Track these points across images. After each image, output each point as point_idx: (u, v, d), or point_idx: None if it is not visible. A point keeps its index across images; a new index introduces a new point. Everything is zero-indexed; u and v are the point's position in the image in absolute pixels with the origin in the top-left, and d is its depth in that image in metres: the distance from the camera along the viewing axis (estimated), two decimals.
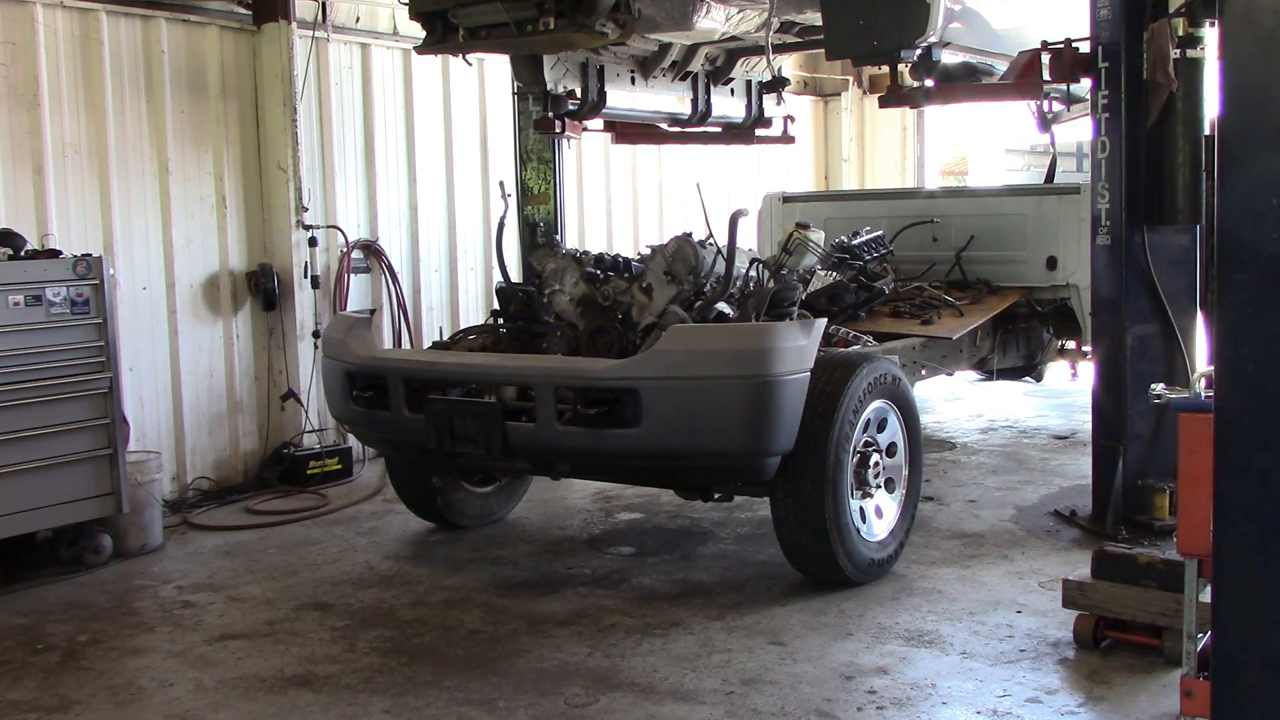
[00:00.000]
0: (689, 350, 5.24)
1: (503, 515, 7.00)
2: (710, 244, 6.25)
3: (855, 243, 7.66)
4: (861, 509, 5.67)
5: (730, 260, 5.89)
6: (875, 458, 5.76)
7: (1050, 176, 8.55)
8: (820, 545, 5.43)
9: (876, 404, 5.70)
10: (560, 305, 6.27)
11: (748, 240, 9.32)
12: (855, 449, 5.57)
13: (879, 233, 7.96)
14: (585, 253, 6.65)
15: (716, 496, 5.74)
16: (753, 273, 6.34)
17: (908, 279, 8.14)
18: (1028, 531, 6.51)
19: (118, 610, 5.64)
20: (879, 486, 5.81)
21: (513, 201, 7.45)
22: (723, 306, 5.88)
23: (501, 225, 6.85)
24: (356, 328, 6.27)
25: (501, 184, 7.02)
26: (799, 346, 5.30)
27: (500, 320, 6.70)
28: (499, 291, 6.83)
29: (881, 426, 5.82)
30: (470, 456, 5.70)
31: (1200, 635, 3.54)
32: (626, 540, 6.58)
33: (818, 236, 7.28)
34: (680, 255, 5.97)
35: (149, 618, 5.54)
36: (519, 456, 5.60)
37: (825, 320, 5.78)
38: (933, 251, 8.47)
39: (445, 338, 7.02)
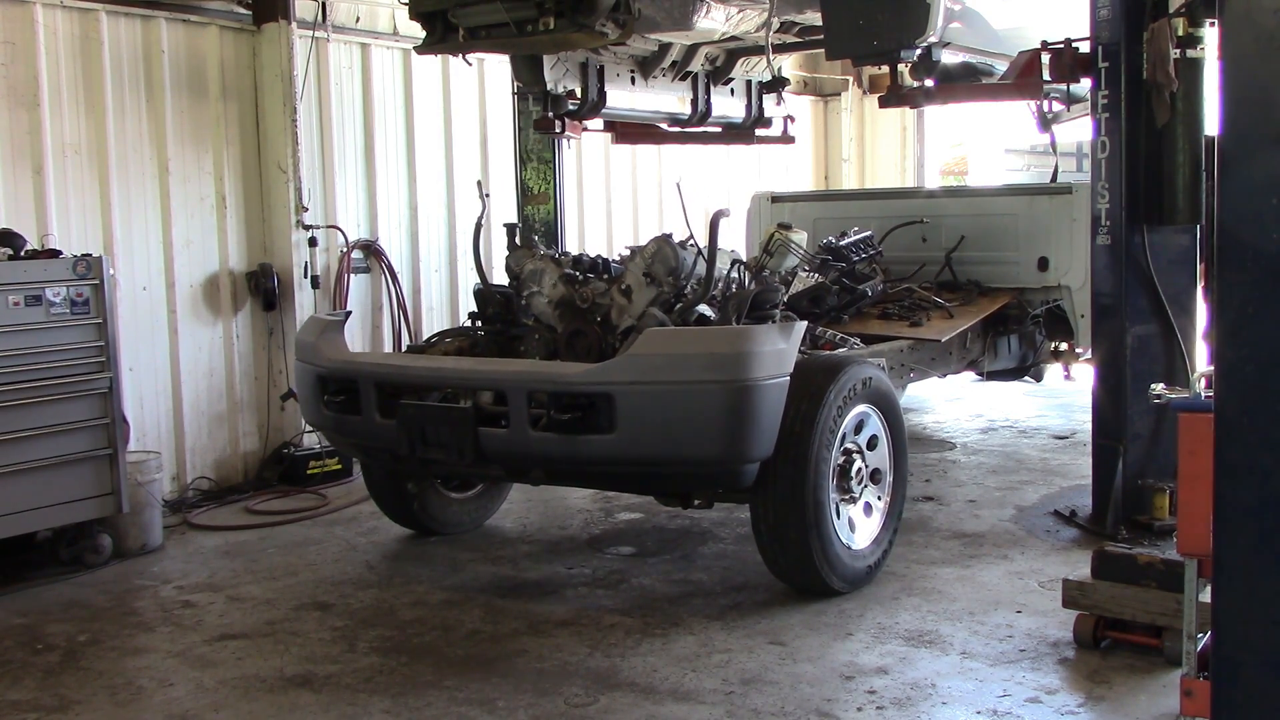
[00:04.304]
0: (664, 354, 5.12)
1: (482, 521, 6.87)
2: (691, 245, 6.11)
3: (843, 244, 7.55)
4: (844, 516, 5.55)
5: (711, 262, 5.77)
6: (858, 463, 5.63)
7: (1054, 180, 8.52)
8: (801, 554, 5.31)
9: (859, 408, 5.58)
10: (538, 307, 6.16)
11: (736, 241, 9.29)
12: (837, 455, 5.46)
13: (867, 233, 7.85)
14: (564, 254, 6.57)
15: (696, 503, 5.65)
16: (734, 274, 6.21)
17: (897, 280, 8.02)
18: (1028, 531, 6.51)
19: (118, 610, 5.64)
20: (862, 493, 5.69)
21: (490, 201, 7.34)
22: (704, 309, 5.77)
23: (479, 225, 6.72)
24: (329, 331, 6.14)
25: (479, 183, 6.94)
26: (778, 350, 5.17)
27: (478, 323, 6.59)
28: (477, 293, 6.68)
29: (865, 431, 5.70)
30: (442, 463, 5.57)
31: (1200, 635, 3.55)
32: (626, 540, 6.58)
33: (800, 237, 7.16)
34: (659, 256, 5.85)
35: (149, 618, 5.54)
36: (492, 463, 5.47)
37: (806, 323, 5.66)
38: (923, 252, 8.36)
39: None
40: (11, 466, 5.84)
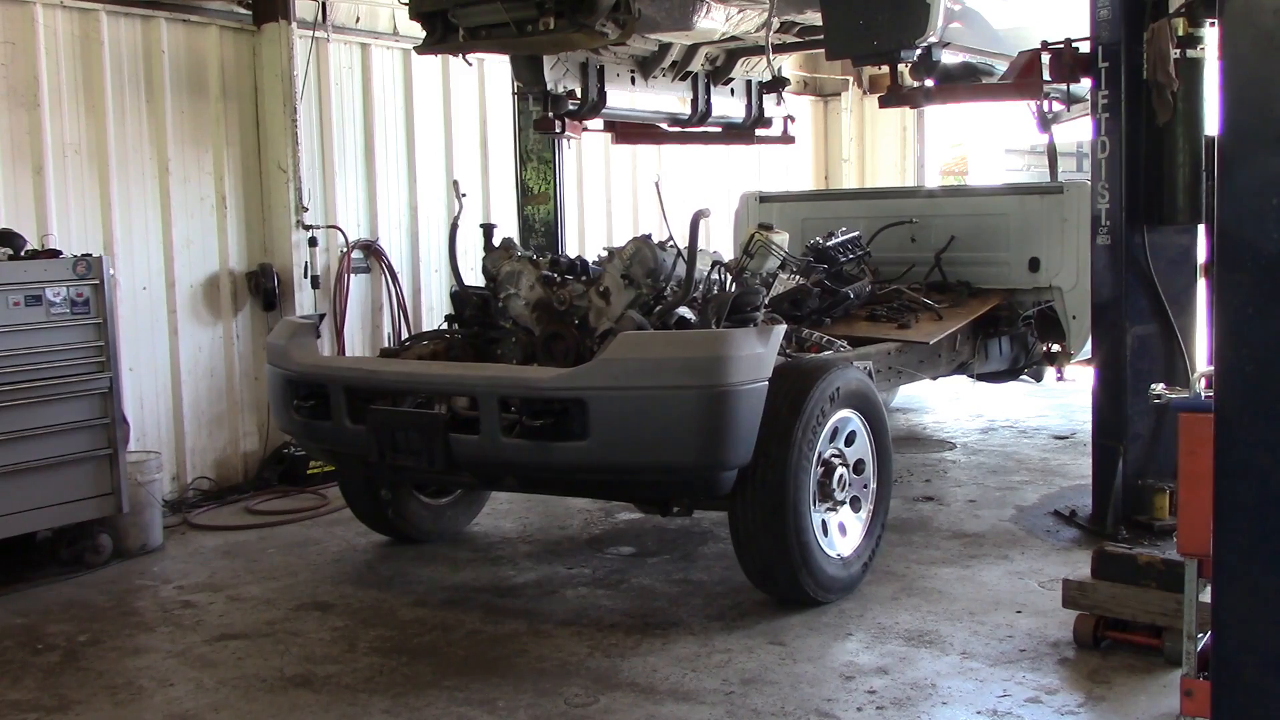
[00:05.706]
0: (638, 359, 4.98)
1: (461, 528, 6.76)
2: (671, 246, 5.97)
3: (829, 244, 7.41)
4: (826, 523, 5.42)
5: (691, 263, 5.65)
6: (840, 470, 5.47)
7: (1053, 177, 8.47)
8: (781, 563, 5.18)
9: (841, 413, 5.43)
10: (516, 310, 6.06)
11: (724, 242, 9.26)
12: (818, 461, 5.31)
13: (855, 234, 7.72)
14: (542, 255, 6.49)
15: (676, 510, 5.56)
16: (715, 276, 6.06)
17: (886, 281, 7.91)
18: (1028, 531, 6.51)
19: (118, 610, 5.64)
20: (844, 500, 5.56)
21: (468, 201, 7.26)
22: (684, 311, 5.65)
23: (455, 226, 6.65)
24: (300, 334, 6.03)
25: (456, 183, 6.89)
26: (755, 354, 5.03)
27: (454, 325, 6.49)
28: (453, 295, 6.57)
29: (848, 437, 5.58)
30: (413, 469, 5.46)
31: (1200, 635, 3.55)
32: (626, 540, 6.58)
33: (781, 239, 6.96)
34: (638, 258, 5.74)
35: (149, 618, 5.54)
36: (463, 470, 5.35)
37: (785, 326, 5.56)
38: (912, 253, 8.23)
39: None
40: (11, 466, 5.85)
